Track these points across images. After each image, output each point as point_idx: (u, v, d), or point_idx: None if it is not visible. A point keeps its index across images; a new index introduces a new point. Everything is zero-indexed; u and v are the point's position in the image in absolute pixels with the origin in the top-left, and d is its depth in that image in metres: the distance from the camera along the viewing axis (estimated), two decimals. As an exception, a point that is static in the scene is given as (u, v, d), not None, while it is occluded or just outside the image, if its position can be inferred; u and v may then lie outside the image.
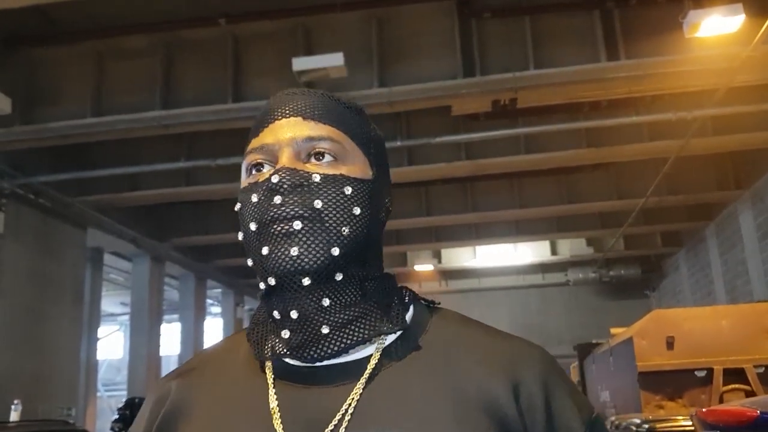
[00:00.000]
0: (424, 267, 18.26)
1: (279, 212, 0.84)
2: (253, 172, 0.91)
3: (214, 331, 21.60)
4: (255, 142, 0.92)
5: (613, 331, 9.52)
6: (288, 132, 0.89)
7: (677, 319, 7.27)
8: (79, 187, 11.64)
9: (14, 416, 8.77)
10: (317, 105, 0.92)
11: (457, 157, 10.82)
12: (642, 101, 9.61)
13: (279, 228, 0.84)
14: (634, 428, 4.39)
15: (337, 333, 0.86)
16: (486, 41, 8.61)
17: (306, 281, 0.84)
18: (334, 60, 7.45)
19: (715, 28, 7.03)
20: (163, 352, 15.66)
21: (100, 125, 8.96)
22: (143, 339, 14.25)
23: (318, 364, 0.88)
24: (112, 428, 13.07)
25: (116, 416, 13.00)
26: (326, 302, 0.86)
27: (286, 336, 0.87)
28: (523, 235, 16.22)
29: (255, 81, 8.89)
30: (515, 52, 8.51)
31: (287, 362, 0.89)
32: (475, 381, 0.85)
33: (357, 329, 0.87)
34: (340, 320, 0.86)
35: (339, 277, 0.86)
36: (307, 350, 0.87)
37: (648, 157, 11.47)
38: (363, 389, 0.84)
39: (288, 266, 0.83)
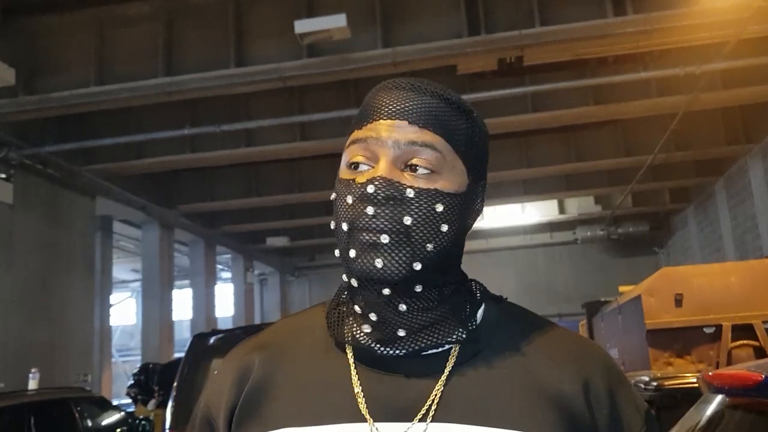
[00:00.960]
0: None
1: (369, 223, 0.87)
2: (353, 167, 0.93)
3: (224, 296, 21.77)
4: (357, 135, 0.93)
5: (621, 288, 9.52)
6: (392, 135, 0.90)
7: (686, 276, 7.26)
8: (86, 157, 11.65)
9: (32, 384, 8.90)
10: (424, 108, 0.91)
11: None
12: (649, 56, 9.48)
13: (367, 237, 0.87)
14: (642, 385, 4.40)
15: (413, 336, 0.91)
16: (491, -1, 8.49)
17: (386, 291, 0.88)
18: (336, 21, 7.35)
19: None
20: (175, 317, 15.82)
21: (103, 94, 8.92)
22: (155, 305, 14.39)
23: (397, 354, 0.92)
24: (128, 393, 13.28)
25: (131, 381, 13.20)
26: (403, 308, 0.89)
27: (368, 330, 0.92)
28: (530, 195, 16.17)
29: (257, 45, 8.81)
30: (521, 8, 8.38)
31: (367, 348, 0.93)
32: (547, 378, 0.90)
33: (433, 333, 0.91)
34: (416, 325, 0.90)
35: (419, 288, 0.89)
36: (387, 345, 0.91)
37: (656, 113, 11.35)
38: (445, 383, 0.89)
39: (371, 275, 0.87)
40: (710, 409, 2.46)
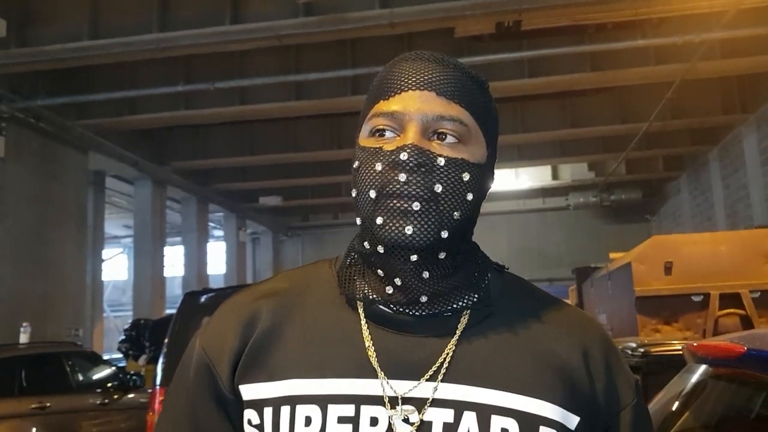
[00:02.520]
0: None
1: (402, 189, 0.87)
2: (377, 135, 0.92)
3: (217, 254, 21.82)
4: (383, 106, 0.92)
5: (612, 255, 9.58)
6: (420, 106, 0.90)
7: (676, 245, 7.30)
8: (79, 111, 11.56)
9: (24, 338, 8.96)
10: (450, 80, 0.92)
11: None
12: (648, 24, 9.41)
13: (398, 204, 0.87)
14: (629, 352, 4.46)
15: (434, 301, 0.92)
16: (490, -40, 8.36)
17: (414, 257, 0.88)
18: (334, -20, 7.25)
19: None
20: (167, 274, 15.88)
21: (96, 48, 8.82)
22: (147, 261, 14.42)
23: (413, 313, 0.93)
24: (119, 348, 13.37)
25: (123, 337, 13.28)
26: (426, 275, 0.90)
27: (390, 292, 0.92)
28: (525, 160, 16.15)
29: (254, 2, 8.70)
30: (520, -29, 8.28)
31: (378, 307, 0.94)
32: (550, 346, 0.93)
33: (450, 299, 0.93)
34: (437, 291, 0.92)
35: (442, 255, 0.90)
36: (406, 308, 0.92)
37: (653, 80, 11.30)
38: (456, 344, 0.91)
39: (400, 241, 0.87)
40: (694, 378, 2.50)
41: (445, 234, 0.88)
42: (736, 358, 2.03)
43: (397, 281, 0.90)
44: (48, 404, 7.14)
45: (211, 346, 0.96)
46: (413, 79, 0.91)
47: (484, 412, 0.87)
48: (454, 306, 0.93)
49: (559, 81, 10.91)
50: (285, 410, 0.89)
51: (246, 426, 0.92)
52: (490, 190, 1.00)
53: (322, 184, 17.96)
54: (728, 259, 6.96)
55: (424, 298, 0.91)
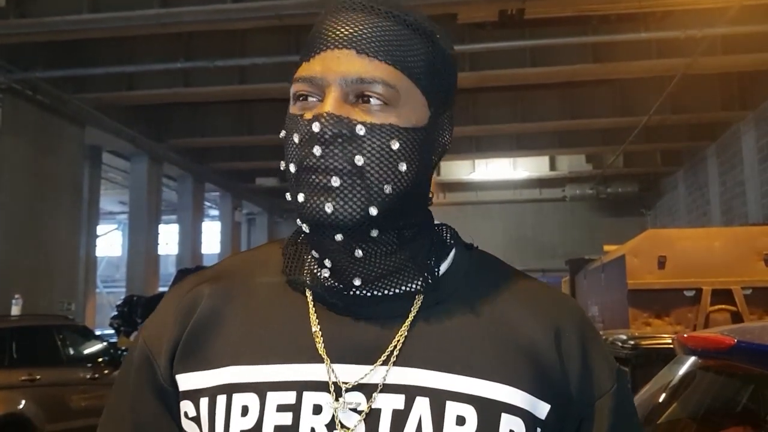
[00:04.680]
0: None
1: (318, 163, 0.79)
2: (300, 100, 0.84)
3: (211, 233, 21.80)
4: (304, 70, 0.83)
5: (606, 248, 9.60)
6: (338, 67, 0.80)
7: (670, 239, 7.33)
8: (77, 84, 11.50)
9: (15, 310, 8.96)
10: (376, 34, 0.80)
11: (461, 68, 10.56)
12: (652, 17, 9.38)
13: (316, 179, 0.79)
14: (620, 344, 4.49)
15: (370, 285, 0.84)
16: (496, -53, 8.33)
17: (338, 237, 0.79)
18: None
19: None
20: (161, 251, 15.86)
21: (96, 22, 8.75)
22: (142, 238, 14.41)
23: (357, 294, 0.85)
24: (111, 324, 13.38)
25: (115, 313, 13.28)
26: (359, 254, 0.82)
27: (326, 275, 0.85)
28: (523, 150, 16.14)
29: (256, -20, 8.63)
30: (525, -41, 8.24)
31: (327, 289, 0.86)
32: (517, 327, 0.85)
33: (390, 283, 0.85)
34: (373, 273, 0.83)
35: (374, 233, 0.81)
36: (344, 292, 0.85)
37: (654, 74, 11.28)
38: (409, 327, 0.83)
39: (321, 220, 0.79)
40: (683, 370, 2.51)
41: (374, 211, 0.78)
42: (725, 350, 2.03)
43: (327, 263, 0.83)
44: (38, 377, 7.16)
45: (150, 337, 0.90)
46: (332, 36, 0.81)
47: (439, 398, 0.79)
48: (402, 288, 0.84)
49: (560, 71, 10.89)
50: (221, 400, 0.82)
51: (183, 419, 0.85)
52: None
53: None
54: (722, 255, 6.99)
55: (357, 281, 0.83)
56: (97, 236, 14.88)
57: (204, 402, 0.83)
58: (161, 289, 13.63)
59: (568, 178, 19.17)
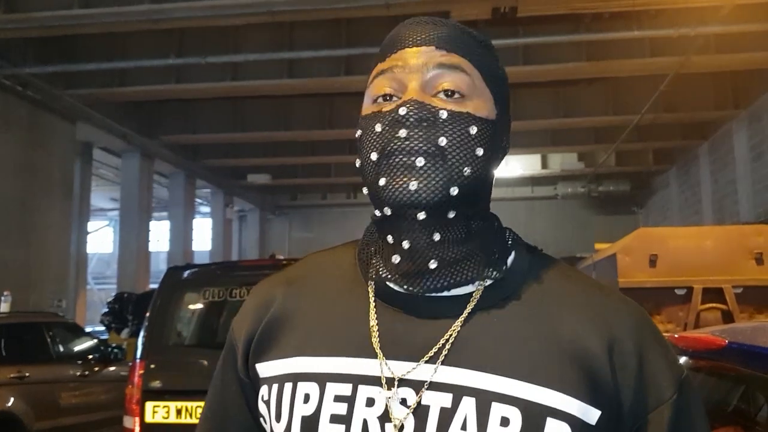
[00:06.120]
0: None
1: (403, 145, 0.83)
2: (379, 100, 0.89)
3: (203, 230, 21.75)
4: (382, 65, 0.90)
5: (597, 246, 9.60)
6: (419, 59, 0.87)
7: (662, 238, 7.32)
8: (68, 80, 11.43)
9: (4, 307, 8.90)
10: (450, 35, 0.90)
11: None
12: (645, 15, 9.38)
13: (400, 160, 0.83)
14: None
15: (444, 270, 0.87)
16: (489, -56, 8.31)
17: (421, 215, 0.84)
18: (330, -42, 7.18)
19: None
20: (152, 248, 15.80)
21: (87, 17, 8.70)
22: (133, 234, 14.35)
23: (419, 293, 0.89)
24: (102, 321, 13.34)
25: (106, 309, 13.25)
26: (437, 237, 0.86)
27: (396, 261, 0.88)
28: (515, 148, 16.08)
29: (248, -24, 8.58)
30: (518, -43, 8.23)
31: (390, 286, 0.90)
32: (570, 333, 0.85)
33: (462, 270, 0.88)
34: (448, 258, 0.87)
35: (452, 214, 0.86)
36: (414, 280, 0.88)
37: (647, 73, 11.29)
38: (461, 327, 0.86)
39: (405, 199, 0.83)
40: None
41: (454, 190, 0.83)
42: (716, 351, 2.03)
43: (405, 244, 0.86)
44: (27, 374, 7.11)
45: (235, 328, 1.01)
46: (411, 38, 0.89)
47: (485, 399, 0.81)
48: (468, 278, 0.87)
49: (553, 69, 10.89)
50: (288, 387, 0.89)
51: (259, 402, 0.94)
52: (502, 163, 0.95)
53: (311, 163, 17.90)
54: (713, 253, 6.98)
55: (433, 264, 0.86)
56: (88, 233, 14.80)
57: (275, 387, 0.91)
58: (152, 286, 13.55)
59: (560, 176, 19.20)
